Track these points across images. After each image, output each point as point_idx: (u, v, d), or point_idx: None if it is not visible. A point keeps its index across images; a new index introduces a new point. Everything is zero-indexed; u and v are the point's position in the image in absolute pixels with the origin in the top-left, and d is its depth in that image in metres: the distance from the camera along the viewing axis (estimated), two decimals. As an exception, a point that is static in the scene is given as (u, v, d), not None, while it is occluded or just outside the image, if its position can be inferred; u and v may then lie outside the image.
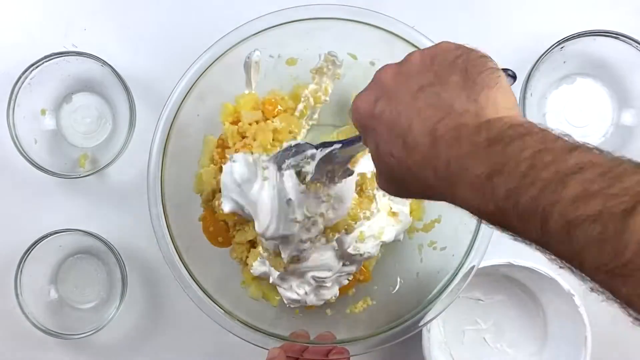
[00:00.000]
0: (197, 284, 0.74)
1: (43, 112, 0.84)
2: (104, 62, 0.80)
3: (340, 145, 0.62)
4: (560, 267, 0.42)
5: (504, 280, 0.85)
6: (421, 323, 0.73)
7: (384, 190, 0.54)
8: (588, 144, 0.43)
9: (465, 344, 0.86)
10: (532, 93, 0.81)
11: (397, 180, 0.51)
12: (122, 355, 0.86)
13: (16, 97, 0.80)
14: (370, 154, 0.54)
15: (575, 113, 0.84)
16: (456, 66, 0.50)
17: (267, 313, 0.79)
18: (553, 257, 0.42)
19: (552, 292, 0.81)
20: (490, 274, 0.83)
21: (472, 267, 0.73)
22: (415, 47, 0.73)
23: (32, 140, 0.82)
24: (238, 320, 0.74)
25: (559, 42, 0.79)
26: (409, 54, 0.53)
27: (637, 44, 0.79)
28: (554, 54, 0.79)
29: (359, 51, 0.78)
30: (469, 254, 0.73)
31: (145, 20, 0.85)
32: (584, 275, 0.41)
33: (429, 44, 0.73)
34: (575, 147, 0.42)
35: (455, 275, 0.73)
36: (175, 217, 0.76)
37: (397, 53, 0.75)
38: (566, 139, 0.43)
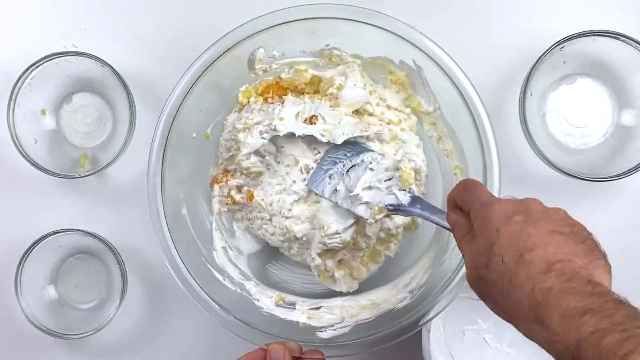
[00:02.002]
0: (197, 283, 0.74)
1: (43, 112, 0.84)
2: (104, 62, 0.80)
3: (429, 215, 0.68)
4: None
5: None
6: (421, 323, 0.73)
7: (471, 284, 0.57)
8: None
9: (465, 344, 0.86)
10: (532, 93, 0.81)
11: (486, 275, 0.55)
12: (122, 355, 0.86)
13: (16, 97, 0.80)
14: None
15: (575, 113, 0.84)
16: (586, 239, 0.55)
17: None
18: None
19: (552, 292, 0.81)
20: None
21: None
22: (416, 47, 0.73)
23: (32, 140, 0.82)
24: (238, 319, 0.74)
25: (559, 42, 0.79)
26: (558, 209, 0.58)
27: (637, 44, 0.79)
28: (554, 54, 0.79)
29: (360, 51, 0.78)
30: (469, 254, 0.73)
31: (145, 20, 0.85)
32: None
33: (430, 44, 0.73)
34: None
35: (455, 275, 0.73)
36: (175, 217, 0.76)
37: (398, 53, 0.76)
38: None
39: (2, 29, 0.85)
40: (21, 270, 0.81)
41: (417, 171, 0.78)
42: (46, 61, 0.80)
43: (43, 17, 0.85)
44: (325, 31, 0.76)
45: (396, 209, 0.70)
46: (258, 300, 0.79)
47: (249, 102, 0.79)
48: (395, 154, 0.77)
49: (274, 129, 0.74)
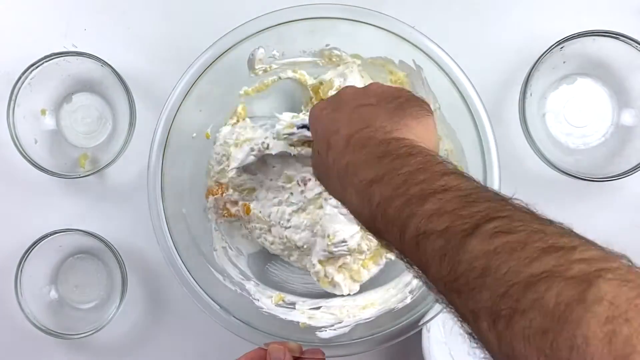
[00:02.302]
0: (197, 283, 0.74)
1: (43, 112, 0.84)
2: (104, 62, 0.80)
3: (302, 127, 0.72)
4: (415, 277, 0.47)
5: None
6: (421, 323, 0.73)
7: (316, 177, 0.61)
8: (466, 173, 0.48)
9: (465, 344, 0.86)
10: (532, 93, 0.81)
11: (319, 176, 0.59)
12: (122, 355, 0.87)
13: (16, 97, 0.80)
14: None
15: (575, 113, 0.84)
16: (397, 99, 0.56)
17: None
18: (408, 264, 0.47)
19: (552, 292, 0.81)
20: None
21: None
22: (416, 47, 0.73)
23: (32, 140, 0.82)
24: (238, 319, 0.74)
25: (559, 42, 0.79)
26: (371, 83, 0.61)
27: (637, 44, 0.79)
28: (554, 54, 0.79)
29: (360, 51, 0.78)
30: (469, 254, 0.73)
31: (145, 20, 0.85)
32: (430, 285, 0.45)
33: (430, 44, 0.73)
34: (450, 173, 0.47)
35: (455, 275, 0.73)
36: (175, 216, 0.76)
37: (398, 53, 0.76)
38: (449, 166, 0.48)
39: (2, 29, 0.85)
40: (21, 270, 0.81)
41: None
42: (46, 61, 0.80)
43: (43, 17, 0.85)
44: (325, 31, 0.76)
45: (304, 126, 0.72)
46: (258, 300, 0.79)
47: (244, 118, 0.79)
48: None
49: (266, 147, 0.74)
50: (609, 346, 0.34)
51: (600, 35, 0.79)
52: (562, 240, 0.39)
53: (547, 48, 0.78)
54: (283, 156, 0.75)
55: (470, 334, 0.42)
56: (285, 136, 0.72)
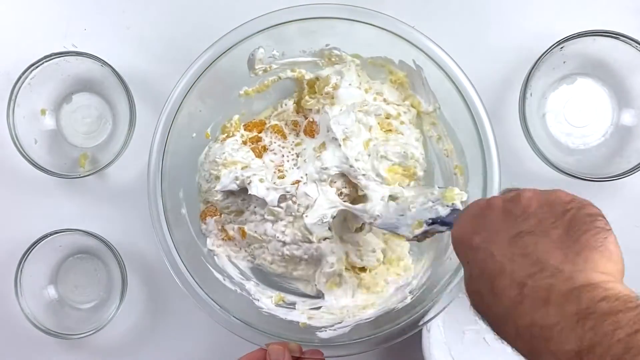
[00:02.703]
0: (197, 283, 0.74)
1: (43, 112, 0.84)
2: (104, 62, 0.80)
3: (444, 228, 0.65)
4: None
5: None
6: (421, 323, 0.73)
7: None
8: None
9: (465, 344, 0.86)
10: (532, 93, 0.81)
11: (481, 314, 0.50)
12: (122, 355, 0.86)
13: (16, 97, 0.80)
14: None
15: (575, 113, 0.84)
16: (562, 220, 0.47)
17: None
18: None
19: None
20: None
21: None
22: (416, 47, 0.73)
23: (32, 140, 0.82)
24: (238, 319, 0.74)
25: (559, 42, 0.79)
26: (522, 191, 0.51)
27: (637, 44, 0.79)
28: (554, 54, 0.79)
29: (359, 51, 0.78)
30: (469, 254, 0.73)
31: (145, 20, 0.85)
32: None
33: (430, 44, 0.73)
34: None
35: (455, 275, 0.73)
36: (175, 217, 0.76)
37: (398, 53, 0.76)
38: None
39: (2, 29, 0.85)
40: (21, 270, 0.81)
41: (415, 164, 0.78)
42: (46, 61, 0.80)
43: (43, 17, 0.85)
44: (325, 31, 0.76)
45: (434, 221, 0.65)
46: (258, 300, 0.79)
47: (233, 134, 0.79)
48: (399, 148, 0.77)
49: (249, 184, 0.74)
50: None
51: (600, 35, 0.79)
52: None
53: (547, 48, 0.78)
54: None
55: None
56: (416, 238, 0.67)
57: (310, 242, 0.75)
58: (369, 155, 0.75)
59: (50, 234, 0.81)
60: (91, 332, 0.82)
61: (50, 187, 0.85)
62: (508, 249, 0.47)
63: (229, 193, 0.77)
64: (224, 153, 0.77)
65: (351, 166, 0.74)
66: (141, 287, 0.86)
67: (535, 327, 0.44)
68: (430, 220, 0.66)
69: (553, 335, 0.43)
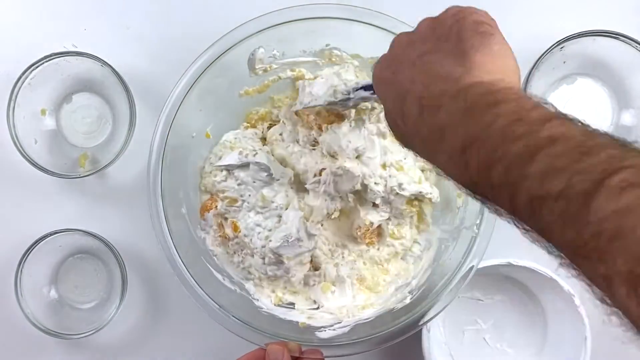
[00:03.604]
0: (197, 283, 0.74)
1: (43, 112, 0.84)
2: (104, 62, 0.80)
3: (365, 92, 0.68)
4: (531, 241, 0.42)
5: (504, 280, 0.85)
6: (421, 323, 0.73)
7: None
8: (566, 114, 0.42)
9: (465, 344, 0.86)
10: (532, 93, 0.81)
11: (405, 145, 0.53)
12: (122, 355, 0.86)
13: (16, 97, 0.80)
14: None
15: (575, 113, 0.84)
16: (451, 32, 0.50)
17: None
18: (524, 230, 0.42)
19: (552, 292, 0.81)
20: (490, 274, 0.83)
21: (472, 267, 0.73)
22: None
23: (32, 140, 0.82)
24: (238, 319, 0.74)
25: (559, 42, 0.79)
26: (421, 21, 0.54)
27: (637, 44, 0.79)
28: (554, 54, 0.79)
29: (359, 51, 0.78)
30: (468, 254, 0.73)
31: (145, 20, 0.85)
32: (550, 249, 0.40)
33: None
34: (551, 118, 0.41)
35: (455, 275, 0.73)
36: (175, 216, 0.76)
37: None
38: (544, 107, 0.42)
39: (2, 29, 0.85)
40: (21, 270, 0.81)
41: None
42: (46, 61, 0.80)
43: (43, 17, 0.85)
44: (325, 31, 0.76)
45: (358, 88, 0.69)
46: (258, 300, 0.79)
47: (254, 124, 0.81)
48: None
49: (255, 154, 0.76)
50: None
51: (600, 35, 0.79)
52: None
53: (547, 48, 0.78)
54: (263, 176, 0.77)
55: (601, 299, 0.37)
56: (341, 102, 0.71)
57: (283, 262, 0.77)
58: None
59: (50, 234, 0.81)
60: (91, 332, 0.82)
61: (50, 187, 0.85)
62: (411, 72, 0.50)
63: (228, 174, 0.78)
64: (236, 138, 0.78)
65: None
66: (141, 287, 0.86)
67: (432, 132, 0.46)
68: (356, 87, 0.69)
69: (445, 135, 0.45)
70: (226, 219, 0.79)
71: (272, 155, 0.79)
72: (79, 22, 0.85)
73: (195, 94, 0.75)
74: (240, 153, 0.77)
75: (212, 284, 0.76)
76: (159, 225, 0.74)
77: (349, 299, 0.79)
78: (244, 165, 0.77)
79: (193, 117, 0.77)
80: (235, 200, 0.78)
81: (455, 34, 0.50)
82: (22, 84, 0.80)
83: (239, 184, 0.78)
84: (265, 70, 0.79)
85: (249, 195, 0.77)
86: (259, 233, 0.77)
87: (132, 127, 0.81)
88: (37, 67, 0.80)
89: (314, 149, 0.78)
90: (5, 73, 0.83)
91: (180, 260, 0.74)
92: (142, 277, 0.86)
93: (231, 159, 0.77)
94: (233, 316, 0.74)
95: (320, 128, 0.77)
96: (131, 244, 0.84)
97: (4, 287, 0.83)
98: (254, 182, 0.77)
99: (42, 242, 0.81)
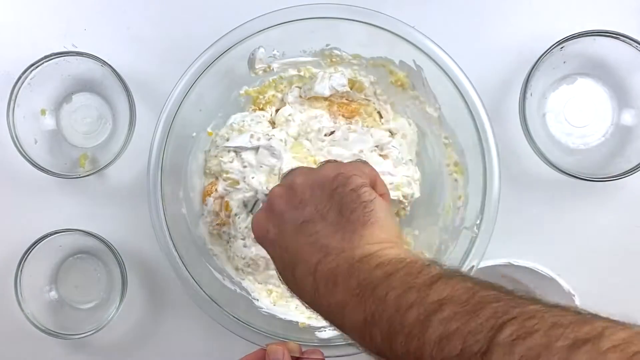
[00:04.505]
0: (197, 283, 0.74)
1: (43, 112, 0.84)
2: (104, 62, 0.80)
3: None
4: None
5: (504, 280, 0.85)
6: (421, 323, 0.73)
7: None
8: (451, 269, 0.44)
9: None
10: (532, 93, 0.81)
11: (301, 301, 0.54)
12: (122, 355, 0.86)
13: (16, 97, 0.80)
14: None
15: (575, 113, 0.84)
16: (333, 201, 0.51)
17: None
18: None
19: (552, 292, 0.81)
20: (490, 274, 0.83)
21: (472, 267, 0.73)
22: (416, 47, 0.73)
23: (32, 140, 0.82)
24: (238, 319, 0.74)
25: (559, 42, 0.79)
26: (294, 176, 0.56)
27: (637, 44, 0.79)
28: (554, 54, 0.79)
29: (360, 51, 0.78)
30: (468, 254, 0.73)
31: (145, 20, 0.85)
32: None
33: (430, 44, 0.73)
34: (437, 279, 0.43)
35: (455, 275, 0.73)
36: (175, 217, 0.76)
37: (398, 53, 0.76)
38: (430, 268, 0.44)
39: (2, 29, 0.85)
40: (21, 270, 0.81)
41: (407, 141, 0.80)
42: (46, 61, 0.80)
43: (43, 17, 0.85)
44: (325, 31, 0.76)
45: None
46: (257, 300, 0.79)
47: (261, 108, 0.80)
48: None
49: (269, 139, 0.76)
50: None
51: (600, 35, 0.79)
52: (584, 329, 0.37)
53: (547, 48, 0.78)
54: (272, 162, 0.77)
55: None
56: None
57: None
58: None
59: (50, 234, 0.81)
60: (91, 332, 0.82)
61: (50, 187, 0.85)
62: (296, 239, 0.51)
63: (235, 156, 0.78)
64: (243, 121, 0.78)
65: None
66: (141, 287, 0.86)
67: (332, 307, 0.48)
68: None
69: (345, 313, 0.47)
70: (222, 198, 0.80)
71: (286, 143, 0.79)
72: (79, 22, 0.85)
73: (195, 94, 0.75)
74: (252, 136, 0.77)
75: (212, 284, 0.76)
76: (159, 225, 0.74)
77: None
78: (254, 148, 0.77)
79: (193, 117, 0.77)
80: (237, 182, 0.78)
81: (337, 204, 0.51)
82: (22, 84, 0.80)
83: (244, 166, 0.77)
84: (265, 70, 0.79)
85: (252, 178, 0.77)
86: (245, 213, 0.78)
87: (132, 127, 0.81)
88: (37, 67, 0.80)
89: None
90: (5, 73, 0.83)
91: (180, 261, 0.74)
92: (142, 277, 0.86)
93: (241, 141, 0.77)
94: (233, 316, 0.74)
95: (344, 116, 0.78)
96: (131, 244, 0.84)
97: (4, 287, 0.83)
98: (260, 166, 0.77)
99: (42, 242, 0.81)
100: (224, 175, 0.78)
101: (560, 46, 0.79)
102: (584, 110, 0.84)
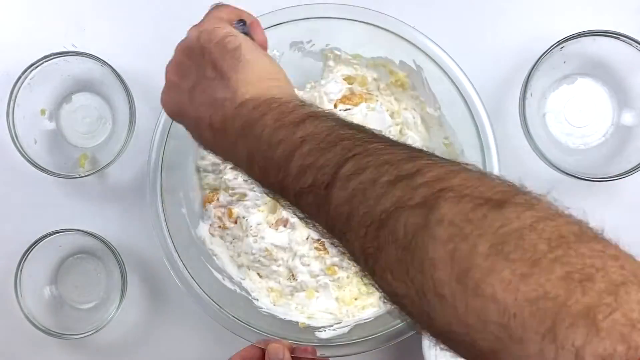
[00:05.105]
0: (197, 283, 0.74)
1: (43, 112, 0.84)
2: (104, 62, 0.80)
3: None
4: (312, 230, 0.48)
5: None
6: (421, 323, 0.73)
7: None
8: (320, 110, 0.48)
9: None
10: (532, 93, 0.81)
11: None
12: (122, 355, 0.86)
13: (16, 97, 0.80)
14: None
15: (575, 113, 0.84)
16: (206, 60, 0.55)
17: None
18: (305, 220, 0.48)
19: (552, 292, 0.81)
20: (490, 274, 0.83)
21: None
22: (416, 47, 0.73)
23: (32, 140, 0.82)
24: (238, 319, 0.74)
25: (559, 42, 0.79)
26: (175, 50, 0.60)
27: (637, 44, 0.79)
28: (554, 54, 0.79)
29: (360, 51, 0.78)
30: (469, 254, 0.73)
31: (145, 20, 0.85)
32: (322, 233, 0.46)
33: (430, 44, 0.73)
34: (305, 119, 0.47)
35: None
36: (174, 217, 0.76)
37: (398, 53, 0.76)
38: (302, 107, 0.49)
39: (2, 29, 0.85)
40: (21, 270, 0.81)
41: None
42: (46, 61, 0.80)
43: (43, 17, 0.85)
44: (325, 31, 0.76)
45: None
46: (257, 300, 0.79)
47: None
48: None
49: None
50: (451, 264, 0.35)
51: (600, 35, 0.79)
52: (406, 167, 0.40)
53: (547, 48, 0.78)
54: None
55: (360, 272, 0.44)
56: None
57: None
58: None
59: (50, 234, 0.81)
60: (91, 332, 0.82)
61: (50, 187, 0.85)
62: (193, 104, 0.55)
63: (238, 172, 0.78)
64: None
65: None
66: (141, 287, 0.86)
67: (227, 149, 0.53)
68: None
69: (235, 152, 0.52)
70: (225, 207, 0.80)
71: None
72: (79, 22, 0.85)
73: (195, 94, 0.74)
74: None
75: (211, 284, 0.76)
76: (159, 225, 0.74)
77: (333, 302, 0.79)
78: None
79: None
80: (245, 195, 0.78)
81: (210, 60, 0.55)
82: (21, 84, 0.80)
83: (244, 180, 0.78)
84: (265, 70, 0.79)
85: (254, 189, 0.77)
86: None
87: (132, 127, 0.81)
88: (37, 67, 0.80)
89: None
90: (5, 73, 0.83)
91: (180, 261, 0.74)
92: (142, 277, 0.86)
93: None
94: (233, 316, 0.74)
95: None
96: (131, 244, 0.84)
97: (4, 287, 0.82)
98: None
99: (42, 242, 0.81)
100: (230, 191, 0.78)
101: (560, 46, 0.79)
102: (584, 110, 0.84)
